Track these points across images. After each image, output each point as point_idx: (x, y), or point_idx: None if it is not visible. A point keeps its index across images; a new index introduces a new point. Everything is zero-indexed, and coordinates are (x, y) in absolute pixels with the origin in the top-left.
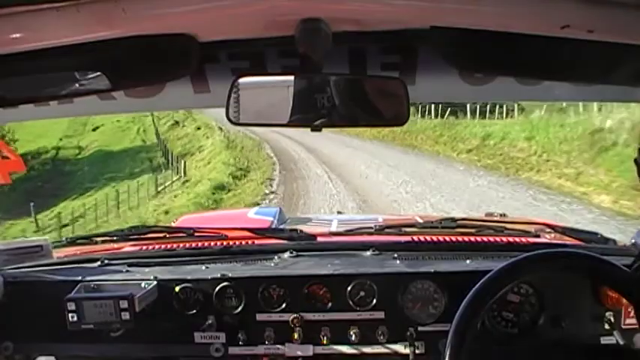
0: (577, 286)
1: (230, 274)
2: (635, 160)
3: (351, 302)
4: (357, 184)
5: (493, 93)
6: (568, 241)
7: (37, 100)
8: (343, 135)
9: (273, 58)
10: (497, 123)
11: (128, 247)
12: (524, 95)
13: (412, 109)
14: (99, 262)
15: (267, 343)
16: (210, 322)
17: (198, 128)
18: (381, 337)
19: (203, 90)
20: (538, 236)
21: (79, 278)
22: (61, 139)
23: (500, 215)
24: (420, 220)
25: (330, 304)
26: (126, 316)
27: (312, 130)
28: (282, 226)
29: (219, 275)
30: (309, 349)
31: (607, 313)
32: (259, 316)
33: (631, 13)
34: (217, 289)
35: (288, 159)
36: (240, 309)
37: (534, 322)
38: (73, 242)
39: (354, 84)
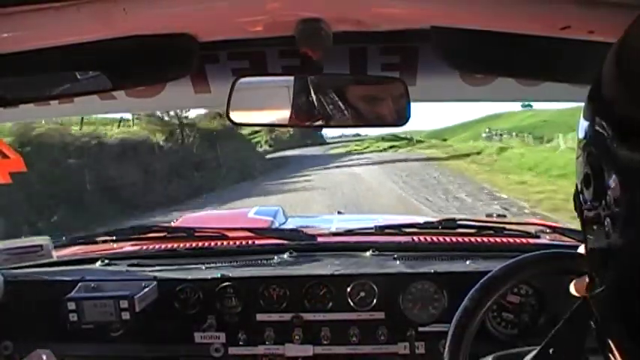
0: None
1: (230, 274)
2: (575, 195)
3: (351, 302)
4: None
5: (493, 93)
6: (568, 241)
7: (37, 100)
8: None
9: (274, 58)
10: None
11: (128, 247)
12: (525, 96)
13: None
14: (99, 262)
15: (267, 343)
16: (210, 322)
17: None
18: (381, 338)
19: (203, 90)
20: (538, 237)
21: (79, 278)
22: None
23: (500, 216)
24: (420, 221)
25: (330, 305)
26: (126, 315)
27: (313, 130)
28: (282, 226)
29: (219, 275)
30: (309, 350)
31: None
32: (259, 316)
33: (631, 13)
34: (217, 289)
35: None
36: (240, 309)
37: (534, 322)
38: (73, 242)
39: (354, 84)
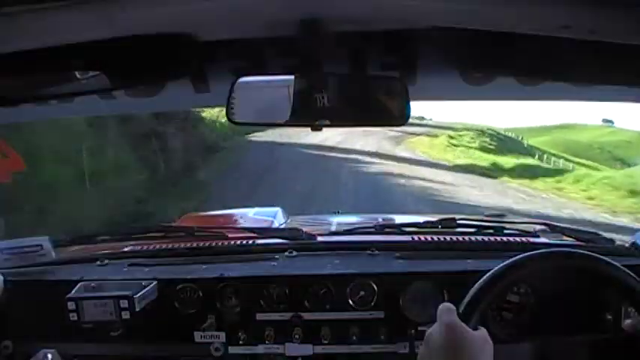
0: (577, 286)
1: (230, 274)
2: None
3: (351, 302)
4: None
5: (493, 93)
6: (568, 240)
7: (37, 100)
8: None
9: (274, 57)
10: None
11: (128, 247)
12: (525, 95)
13: None
14: (99, 261)
15: (267, 342)
16: (210, 321)
17: None
18: (381, 337)
19: (203, 90)
20: (538, 236)
21: (79, 277)
22: None
23: (500, 215)
24: (420, 220)
25: (330, 304)
26: (126, 315)
27: (313, 129)
28: (282, 226)
29: (219, 275)
30: (309, 349)
31: (607, 314)
32: (259, 316)
33: (632, 13)
34: (217, 288)
35: None
36: (240, 309)
37: (534, 322)
38: (73, 241)
39: (354, 84)
